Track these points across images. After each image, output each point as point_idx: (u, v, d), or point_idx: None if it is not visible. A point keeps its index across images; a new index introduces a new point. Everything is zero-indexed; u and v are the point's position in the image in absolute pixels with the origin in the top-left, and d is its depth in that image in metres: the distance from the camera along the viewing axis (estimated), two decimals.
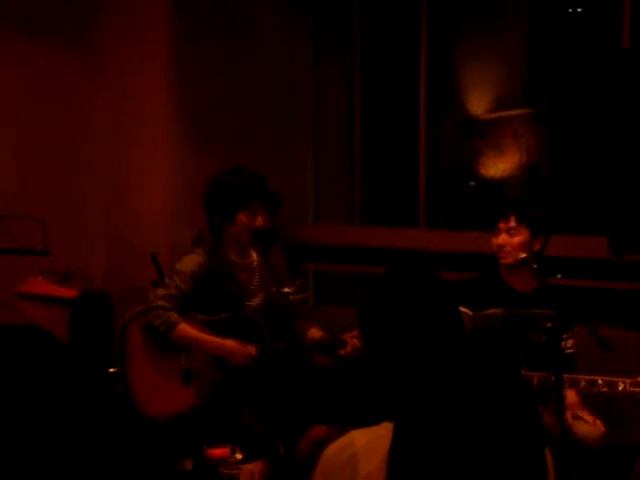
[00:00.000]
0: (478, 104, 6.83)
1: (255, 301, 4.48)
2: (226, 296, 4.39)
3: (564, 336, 4.27)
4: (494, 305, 4.01)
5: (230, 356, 4.30)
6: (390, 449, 1.65)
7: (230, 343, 4.32)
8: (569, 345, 4.35)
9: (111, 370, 4.38)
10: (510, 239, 4.32)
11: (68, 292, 5.89)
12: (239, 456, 3.83)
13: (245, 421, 4.24)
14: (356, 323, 2.16)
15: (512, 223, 4.32)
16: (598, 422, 4.19)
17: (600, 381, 3.92)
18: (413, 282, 2.12)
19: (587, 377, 3.96)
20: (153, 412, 4.30)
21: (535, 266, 4.17)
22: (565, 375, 3.86)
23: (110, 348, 4.55)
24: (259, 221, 4.36)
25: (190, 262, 4.38)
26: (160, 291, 4.33)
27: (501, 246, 4.33)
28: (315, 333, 4.49)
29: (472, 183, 6.97)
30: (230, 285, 4.41)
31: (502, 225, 4.34)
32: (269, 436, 4.13)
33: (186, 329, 4.30)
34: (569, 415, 4.09)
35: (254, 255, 4.54)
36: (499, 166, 6.74)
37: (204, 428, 4.26)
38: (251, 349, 4.30)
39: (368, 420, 2.03)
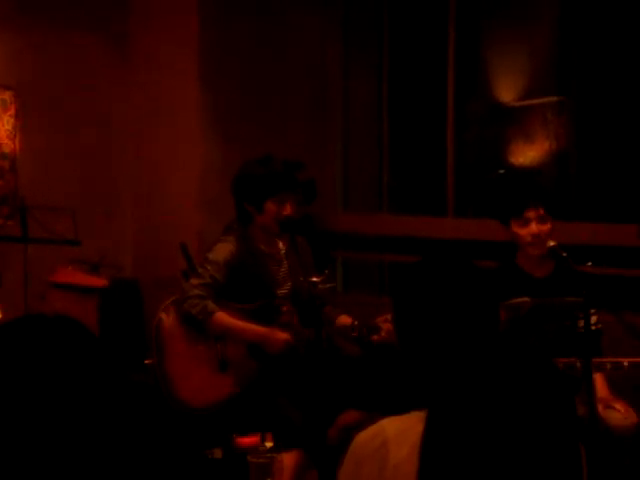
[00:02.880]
0: (506, 91, 6.79)
1: (284, 290, 4.49)
2: (258, 284, 4.40)
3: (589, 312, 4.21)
4: (515, 294, 3.99)
5: (269, 343, 4.31)
6: (423, 438, 1.66)
7: (269, 330, 4.32)
8: (593, 321, 4.30)
9: (147, 362, 4.40)
10: (544, 227, 4.26)
11: (98, 281, 5.92)
12: (269, 444, 3.84)
13: (281, 410, 4.25)
14: (386, 310, 2.15)
15: (542, 211, 4.26)
16: (631, 411, 4.17)
17: (626, 363, 3.90)
18: (451, 270, 2.11)
19: (612, 360, 3.94)
20: (191, 401, 4.32)
21: (565, 254, 4.14)
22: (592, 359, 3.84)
23: (140, 336, 4.58)
24: (287, 210, 4.35)
25: (222, 251, 4.38)
26: (195, 280, 4.34)
27: (537, 235, 4.26)
28: (345, 320, 4.49)
29: (500, 171, 6.94)
30: (261, 274, 4.42)
31: (531, 214, 4.26)
32: (305, 425, 4.13)
33: (224, 317, 4.31)
34: (601, 406, 4.08)
35: (280, 244, 4.55)
36: (528, 154, 6.71)
37: (240, 417, 4.28)
38: (288, 336, 4.31)
39: (397, 407, 2.03)
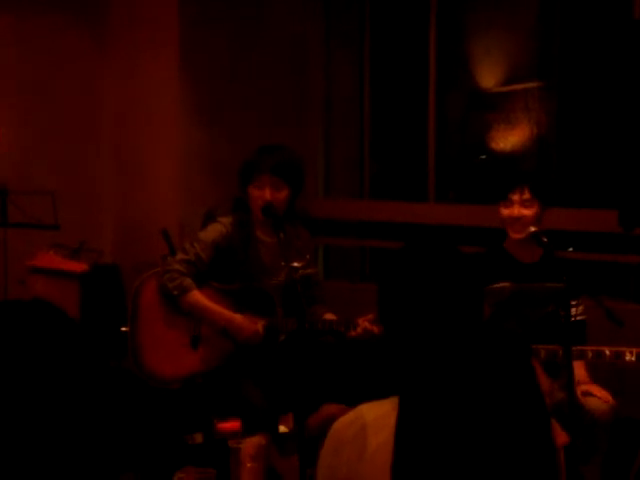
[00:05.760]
0: (488, 77, 6.80)
1: (278, 280, 4.45)
2: (242, 269, 4.39)
3: (573, 303, 4.24)
4: (501, 278, 4.00)
5: (237, 331, 4.30)
6: (397, 423, 1.66)
7: (238, 318, 4.31)
8: (579, 312, 4.33)
9: (123, 329, 4.41)
10: (526, 211, 4.26)
11: (78, 266, 5.90)
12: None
13: (245, 393, 4.25)
14: (370, 302, 2.13)
15: (527, 195, 4.26)
16: (608, 396, 4.20)
17: (607, 352, 3.92)
18: (436, 255, 2.10)
19: (594, 348, 3.96)
20: (154, 372, 4.33)
21: (545, 239, 4.15)
22: (573, 347, 3.85)
23: (121, 322, 4.57)
24: (267, 194, 4.33)
25: (213, 231, 4.38)
26: (179, 255, 4.35)
27: (517, 218, 4.26)
28: (329, 317, 4.47)
29: (482, 157, 6.95)
30: (250, 260, 4.41)
31: (516, 197, 4.25)
32: (269, 410, 4.14)
33: (198, 297, 4.31)
34: (579, 391, 4.10)
35: (281, 234, 4.48)
36: (509, 140, 6.72)
37: (208, 398, 4.28)
38: (259, 326, 4.30)
39: (377, 398, 2.03)
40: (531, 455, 1.59)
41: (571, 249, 4.58)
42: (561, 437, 2.27)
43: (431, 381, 1.63)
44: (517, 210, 4.25)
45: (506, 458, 1.58)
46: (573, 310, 4.24)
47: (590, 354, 3.94)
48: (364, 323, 4.15)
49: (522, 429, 1.60)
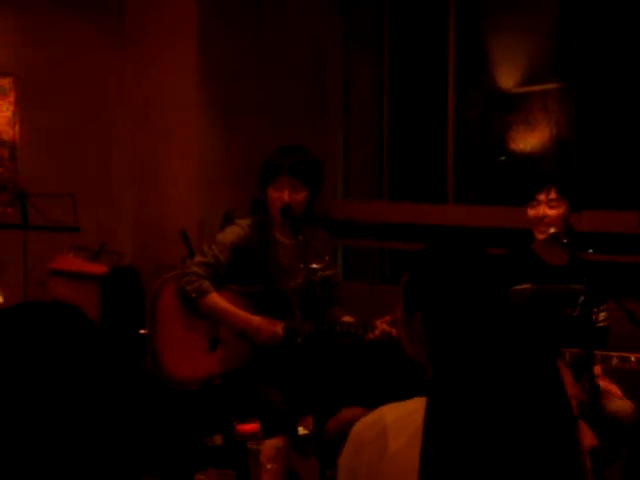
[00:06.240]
0: (507, 78, 6.78)
1: (296, 281, 4.44)
2: (261, 271, 4.38)
3: (595, 310, 4.22)
4: (527, 280, 3.98)
5: (256, 333, 4.29)
6: (424, 426, 1.64)
7: (257, 320, 4.30)
8: (601, 318, 4.30)
9: (141, 332, 4.42)
10: (550, 211, 4.25)
11: (98, 268, 5.92)
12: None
13: (264, 396, 4.24)
14: (389, 303, 2.12)
15: (553, 195, 4.25)
16: (620, 393, 4.18)
17: (633, 358, 3.89)
18: (462, 256, 2.09)
19: (619, 354, 3.92)
20: (175, 374, 4.33)
21: (565, 241, 4.13)
22: (597, 352, 3.82)
23: (140, 324, 4.58)
24: (285, 196, 4.32)
25: (231, 234, 4.38)
26: (197, 258, 4.35)
27: (541, 218, 4.24)
28: (347, 320, 4.46)
29: (501, 158, 6.93)
30: (268, 262, 4.40)
31: (542, 197, 4.25)
32: (288, 412, 4.13)
33: (216, 299, 4.30)
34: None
35: (300, 236, 4.47)
36: (528, 141, 6.69)
37: (228, 400, 4.28)
38: (278, 328, 4.29)
39: (396, 400, 2.02)
40: (558, 457, 1.58)
41: (590, 251, 4.56)
42: (589, 439, 2.26)
43: (458, 381, 1.62)
44: (542, 210, 4.24)
45: (533, 460, 1.57)
46: (595, 317, 4.22)
47: (615, 360, 3.90)
48: (382, 325, 4.13)
49: (549, 430, 1.58)
